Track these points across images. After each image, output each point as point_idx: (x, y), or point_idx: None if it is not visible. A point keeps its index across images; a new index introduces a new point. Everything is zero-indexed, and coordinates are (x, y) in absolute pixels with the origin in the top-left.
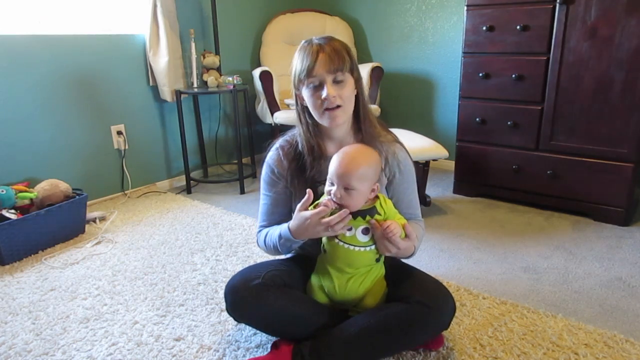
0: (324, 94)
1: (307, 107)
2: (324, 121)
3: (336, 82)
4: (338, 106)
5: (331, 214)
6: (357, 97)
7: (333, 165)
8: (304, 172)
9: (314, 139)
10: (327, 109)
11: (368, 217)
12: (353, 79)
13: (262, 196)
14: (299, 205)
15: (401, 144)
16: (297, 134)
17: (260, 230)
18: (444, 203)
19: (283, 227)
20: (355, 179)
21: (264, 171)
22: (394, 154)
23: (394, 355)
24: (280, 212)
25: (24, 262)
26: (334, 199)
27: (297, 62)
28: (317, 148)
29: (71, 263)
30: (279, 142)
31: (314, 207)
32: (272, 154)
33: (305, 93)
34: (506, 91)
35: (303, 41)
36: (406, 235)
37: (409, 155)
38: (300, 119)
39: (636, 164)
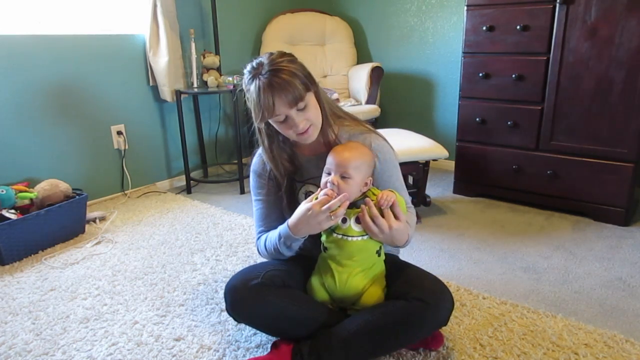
0: (294, 127)
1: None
2: (300, 141)
3: (300, 110)
4: (310, 125)
5: None
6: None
7: (331, 156)
8: (287, 176)
9: (285, 155)
10: (299, 134)
11: (360, 210)
12: (312, 93)
13: (254, 202)
14: (303, 202)
15: (376, 133)
16: (262, 154)
17: (259, 237)
18: (444, 203)
19: (282, 226)
20: (352, 168)
21: (251, 178)
22: (370, 145)
23: (394, 352)
24: (274, 215)
25: (24, 262)
26: (330, 186)
27: (254, 102)
28: (289, 163)
29: (71, 263)
30: (261, 148)
31: (316, 199)
32: (255, 160)
33: (274, 124)
34: (506, 91)
35: (247, 71)
36: (396, 218)
37: (388, 143)
38: (265, 143)
39: (636, 164)
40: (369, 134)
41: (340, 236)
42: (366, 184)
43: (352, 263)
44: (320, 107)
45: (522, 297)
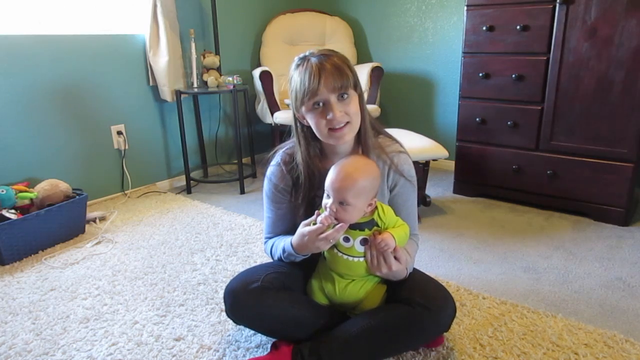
0: (330, 115)
1: (308, 126)
2: (330, 141)
3: (341, 99)
4: (347, 122)
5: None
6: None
7: (329, 179)
8: (306, 187)
9: (314, 163)
10: (332, 129)
11: (367, 230)
12: (357, 95)
13: (266, 209)
14: (303, 222)
15: (407, 155)
16: (296, 153)
17: (266, 241)
18: (444, 203)
19: (287, 242)
20: (351, 195)
21: (267, 187)
22: (397, 165)
23: (394, 356)
24: (284, 225)
25: (24, 262)
26: (329, 213)
27: (297, 83)
28: (318, 172)
29: (71, 263)
30: (280, 156)
31: (314, 223)
32: (273, 170)
33: (309, 115)
34: (506, 91)
35: (297, 58)
36: (396, 259)
37: (413, 167)
38: (300, 142)
39: (636, 164)
40: (398, 155)
41: (341, 255)
42: (370, 204)
43: (353, 276)
44: (362, 115)
45: (522, 297)
